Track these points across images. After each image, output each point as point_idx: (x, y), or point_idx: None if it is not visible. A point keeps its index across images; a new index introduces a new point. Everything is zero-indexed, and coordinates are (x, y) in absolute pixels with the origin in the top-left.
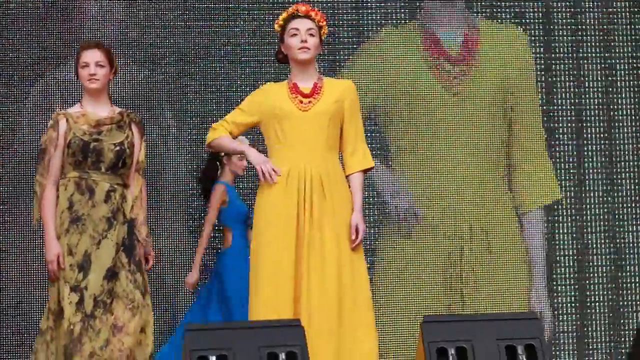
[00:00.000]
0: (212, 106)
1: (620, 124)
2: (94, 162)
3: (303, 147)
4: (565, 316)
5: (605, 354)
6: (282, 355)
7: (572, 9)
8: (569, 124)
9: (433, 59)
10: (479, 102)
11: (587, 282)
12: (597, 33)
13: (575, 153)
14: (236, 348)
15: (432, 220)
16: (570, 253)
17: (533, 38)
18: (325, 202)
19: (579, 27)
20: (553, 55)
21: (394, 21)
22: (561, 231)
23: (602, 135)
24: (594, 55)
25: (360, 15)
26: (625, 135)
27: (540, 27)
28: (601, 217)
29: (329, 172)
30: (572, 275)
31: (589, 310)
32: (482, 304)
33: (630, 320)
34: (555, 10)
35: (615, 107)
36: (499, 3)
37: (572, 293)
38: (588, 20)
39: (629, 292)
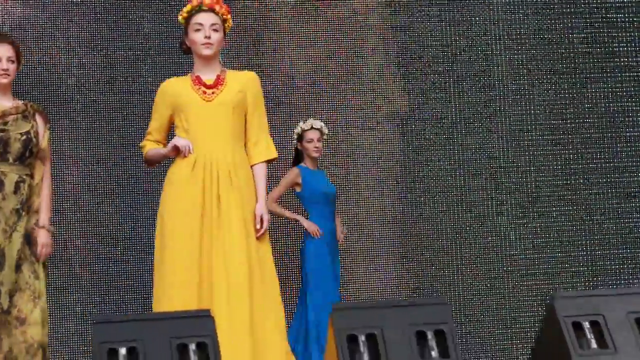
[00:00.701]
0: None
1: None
2: (1, 153)
3: (209, 137)
4: None
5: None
6: (192, 346)
7: None
8: None
9: None
10: None
11: None
12: None
13: None
14: (146, 339)
15: None
16: None
17: None
18: (232, 191)
19: None
20: None
21: None
22: None
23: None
24: None
25: None
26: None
27: None
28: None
29: (236, 161)
30: None
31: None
32: None
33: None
34: None
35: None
36: None
37: None
38: None
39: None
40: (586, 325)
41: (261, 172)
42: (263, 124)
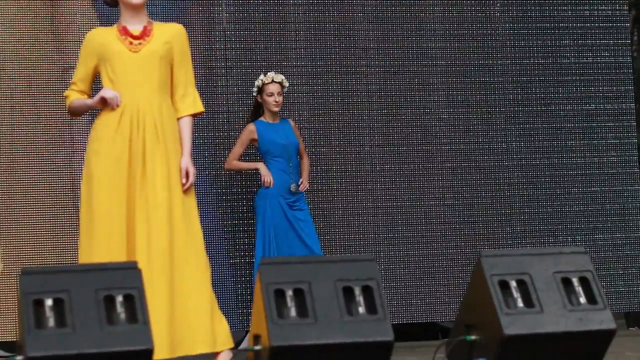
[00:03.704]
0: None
1: None
2: None
3: (135, 88)
4: None
5: None
6: (119, 298)
7: None
8: None
9: None
10: None
11: None
12: None
13: None
14: (73, 291)
15: None
16: None
17: None
18: (158, 145)
19: None
20: None
21: None
22: None
23: None
24: None
25: None
26: None
27: None
28: None
29: (163, 114)
30: None
31: None
32: None
33: None
34: None
35: None
36: None
37: None
38: None
39: None
40: (513, 284)
41: (187, 125)
42: (190, 77)
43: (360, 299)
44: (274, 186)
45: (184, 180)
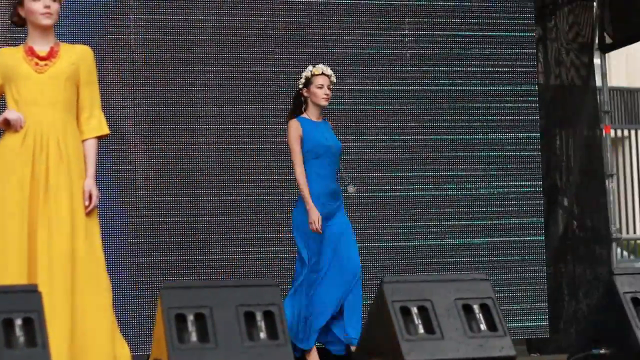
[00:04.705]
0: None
1: None
2: None
3: (40, 109)
4: None
5: None
6: (19, 321)
7: None
8: None
9: None
10: None
11: None
12: None
13: None
14: None
15: None
16: None
17: None
18: (62, 166)
19: None
20: None
21: None
22: None
23: None
24: None
25: None
26: None
27: None
28: None
29: (67, 135)
30: None
31: None
32: None
33: None
34: None
35: None
36: None
37: None
38: None
39: None
40: (414, 310)
41: (92, 147)
42: (96, 98)
43: (261, 324)
44: (313, 193)
45: (86, 203)
